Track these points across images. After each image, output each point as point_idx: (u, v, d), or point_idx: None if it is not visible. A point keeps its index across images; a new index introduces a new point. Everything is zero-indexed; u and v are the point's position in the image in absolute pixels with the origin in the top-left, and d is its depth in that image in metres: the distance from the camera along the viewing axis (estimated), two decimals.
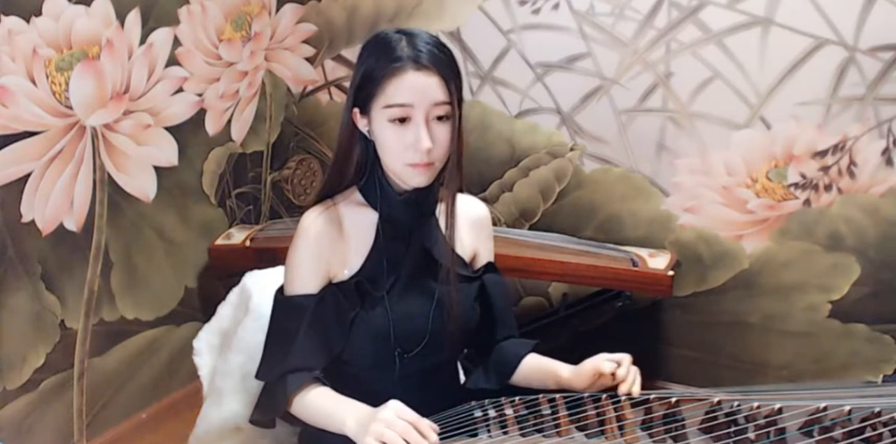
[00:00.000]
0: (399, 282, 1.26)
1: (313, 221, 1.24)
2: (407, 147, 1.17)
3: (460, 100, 1.21)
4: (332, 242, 1.24)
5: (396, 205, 1.25)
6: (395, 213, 1.26)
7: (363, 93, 1.19)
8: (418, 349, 1.26)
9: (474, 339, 1.37)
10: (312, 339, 1.21)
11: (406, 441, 1.02)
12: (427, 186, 1.23)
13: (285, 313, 1.24)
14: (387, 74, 1.15)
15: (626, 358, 1.21)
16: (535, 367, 1.32)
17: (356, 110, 1.22)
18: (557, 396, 1.18)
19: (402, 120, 1.16)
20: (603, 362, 1.19)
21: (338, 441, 1.16)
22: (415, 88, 1.15)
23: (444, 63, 1.17)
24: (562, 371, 1.26)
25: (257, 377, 1.27)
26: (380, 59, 1.17)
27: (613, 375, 1.18)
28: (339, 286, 1.24)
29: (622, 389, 1.18)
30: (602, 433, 1.12)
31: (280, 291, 1.27)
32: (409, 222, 1.27)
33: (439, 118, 1.18)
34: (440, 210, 1.30)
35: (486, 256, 1.39)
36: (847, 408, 1.08)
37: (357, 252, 1.26)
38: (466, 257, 1.35)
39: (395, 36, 1.19)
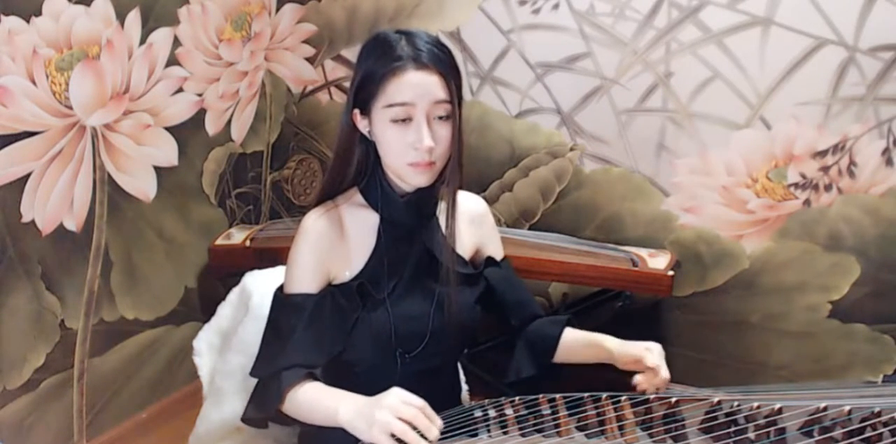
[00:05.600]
0: (400, 283, 1.26)
1: (315, 222, 1.24)
2: (408, 146, 1.17)
3: (460, 99, 1.21)
4: (334, 243, 1.24)
5: (398, 206, 1.25)
6: (396, 214, 1.26)
7: (363, 93, 1.19)
8: (419, 350, 1.26)
9: (475, 339, 1.37)
10: (309, 338, 1.21)
11: (415, 430, 1.00)
12: (428, 187, 1.23)
13: (283, 311, 1.24)
14: (387, 73, 1.15)
15: (659, 357, 1.23)
16: (580, 342, 1.33)
17: (356, 111, 1.22)
18: (557, 396, 1.19)
19: (404, 120, 1.16)
20: (646, 354, 1.21)
21: (339, 442, 1.16)
22: (415, 86, 1.15)
23: (444, 62, 1.17)
24: (607, 343, 1.28)
25: (252, 373, 1.26)
26: (379, 59, 1.17)
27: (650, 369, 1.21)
28: (340, 288, 1.24)
29: (637, 380, 1.19)
30: (602, 433, 1.13)
31: (280, 289, 1.27)
32: (410, 223, 1.27)
33: (440, 117, 1.18)
34: (441, 209, 1.30)
35: (492, 249, 1.39)
36: (847, 408, 1.08)
37: (358, 254, 1.26)
38: (467, 255, 1.35)
39: (394, 36, 1.19)
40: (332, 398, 1.14)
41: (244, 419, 1.25)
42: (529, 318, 1.39)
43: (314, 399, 1.16)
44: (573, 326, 1.38)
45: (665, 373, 1.21)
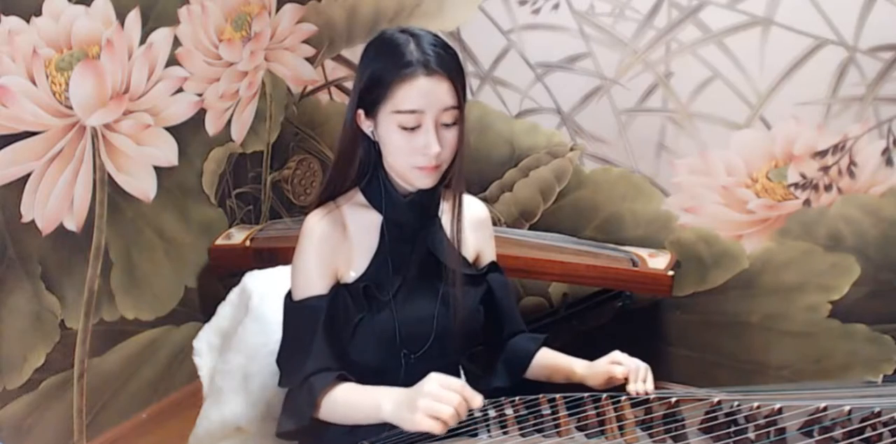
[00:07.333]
0: (404, 284, 1.26)
1: (317, 223, 1.24)
2: (415, 151, 1.16)
3: (465, 100, 1.21)
4: (337, 244, 1.24)
5: (401, 207, 1.24)
6: (399, 215, 1.25)
7: (370, 96, 1.17)
8: (423, 351, 1.26)
9: (479, 339, 1.37)
10: (329, 339, 1.20)
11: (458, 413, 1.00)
12: (431, 188, 1.23)
13: (299, 317, 1.23)
14: (397, 79, 1.14)
15: (627, 361, 1.23)
16: (548, 363, 1.34)
17: (360, 112, 1.21)
18: (557, 396, 1.18)
19: (413, 127, 1.15)
20: (615, 368, 1.23)
21: (339, 442, 1.16)
22: (425, 94, 1.14)
23: (451, 66, 1.16)
24: (576, 368, 1.29)
25: (280, 385, 1.25)
26: (388, 63, 1.15)
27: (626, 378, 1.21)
28: (347, 289, 1.23)
29: (630, 387, 1.19)
30: (602, 433, 1.12)
31: (288, 296, 1.26)
32: (413, 223, 1.26)
33: (447, 123, 1.17)
34: (443, 210, 1.29)
35: (489, 255, 1.39)
36: (847, 408, 1.07)
37: (362, 254, 1.25)
38: (470, 257, 1.35)
39: (401, 37, 1.17)
40: (372, 395, 1.13)
41: (279, 434, 1.22)
42: (516, 332, 1.40)
43: (353, 399, 1.15)
44: (549, 344, 1.38)
45: (641, 364, 1.22)
